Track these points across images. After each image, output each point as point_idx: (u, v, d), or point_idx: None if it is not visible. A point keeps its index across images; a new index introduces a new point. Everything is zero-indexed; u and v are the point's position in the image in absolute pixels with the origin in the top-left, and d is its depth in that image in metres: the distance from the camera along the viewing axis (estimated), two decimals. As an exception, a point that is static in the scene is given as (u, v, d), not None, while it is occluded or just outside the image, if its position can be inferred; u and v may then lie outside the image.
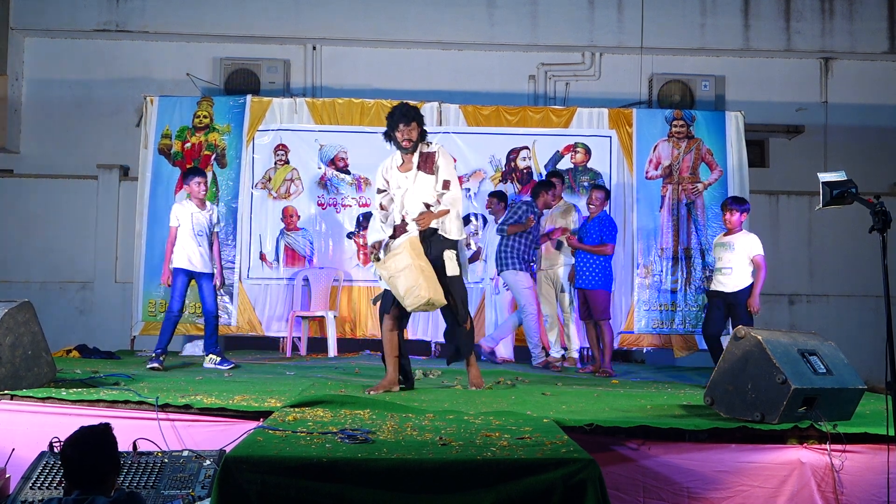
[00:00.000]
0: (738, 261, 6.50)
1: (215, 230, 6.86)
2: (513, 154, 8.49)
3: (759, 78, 10.03)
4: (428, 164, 5.31)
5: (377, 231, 5.47)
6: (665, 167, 8.42)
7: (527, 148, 8.48)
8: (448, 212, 5.26)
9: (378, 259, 5.26)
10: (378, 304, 5.44)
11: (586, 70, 9.95)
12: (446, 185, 5.30)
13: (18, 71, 9.71)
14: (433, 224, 5.27)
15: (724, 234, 6.70)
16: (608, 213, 7.57)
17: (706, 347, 8.18)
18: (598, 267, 7.22)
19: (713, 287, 6.68)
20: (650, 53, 9.72)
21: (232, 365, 6.67)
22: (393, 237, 5.34)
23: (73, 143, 9.68)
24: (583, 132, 8.49)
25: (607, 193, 7.58)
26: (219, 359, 6.72)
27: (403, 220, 5.33)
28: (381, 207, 5.49)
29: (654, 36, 9.61)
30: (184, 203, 6.77)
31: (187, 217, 6.64)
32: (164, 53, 9.77)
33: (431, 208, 5.27)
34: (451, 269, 5.29)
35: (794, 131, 9.96)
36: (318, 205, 8.40)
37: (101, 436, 3.14)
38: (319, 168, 8.42)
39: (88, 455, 3.05)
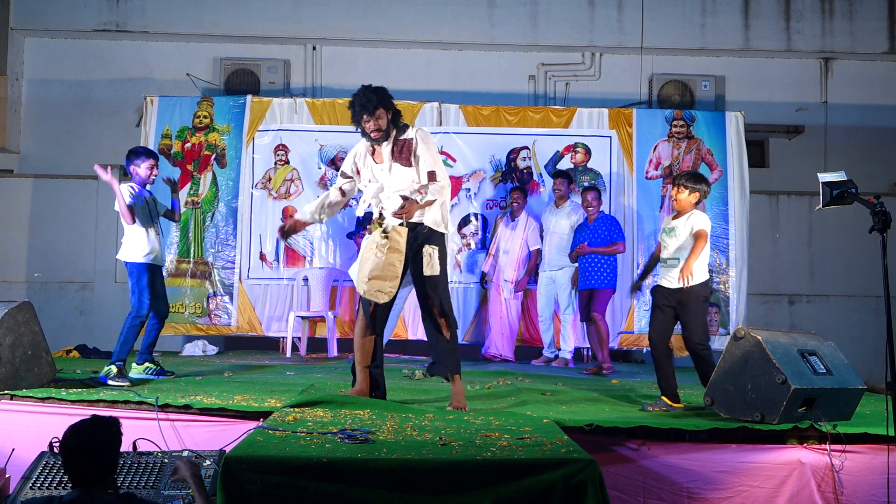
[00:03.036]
0: (684, 249, 5.12)
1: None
2: (513, 154, 8.48)
3: (759, 78, 10.03)
4: (404, 154, 4.69)
5: (306, 212, 4.98)
6: (665, 167, 8.42)
7: (527, 148, 8.48)
8: (433, 202, 4.66)
9: (381, 230, 4.64)
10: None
11: (586, 70, 9.94)
12: (432, 176, 4.66)
13: (18, 71, 9.71)
14: (417, 216, 4.66)
15: (673, 217, 5.32)
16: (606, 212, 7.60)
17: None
18: (607, 266, 7.30)
19: (658, 282, 5.29)
20: (650, 53, 9.72)
21: (172, 376, 5.80)
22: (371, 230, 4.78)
23: (73, 143, 9.67)
24: (583, 132, 8.49)
25: (599, 192, 7.59)
26: (158, 367, 5.84)
27: (381, 215, 4.75)
28: (341, 190, 4.95)
29: (654, 36, 9.60)
30: (133, 187, 5.72)
31: (144, 203, 5.73)
32: (164, 53, 9.77)
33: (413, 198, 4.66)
34: (431, 267, 4.67)
35: (794, 131, 9.95)
36: (318, 205, 8.39)
37: (105, 427, 3.08)
38: (319, 168, 8.42)
39: (90, 448, 2.99)
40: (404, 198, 4.63)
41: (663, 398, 5.05)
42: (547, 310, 7.79)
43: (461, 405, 4.67)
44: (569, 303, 7.67)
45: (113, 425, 3.11)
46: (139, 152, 5.80)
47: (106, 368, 5.39)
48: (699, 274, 5.01)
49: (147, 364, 5.79)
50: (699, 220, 5.11)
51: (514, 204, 7.86)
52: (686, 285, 4.95)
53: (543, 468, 3.19)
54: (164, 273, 6.28)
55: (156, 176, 5.81)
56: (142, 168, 5.71)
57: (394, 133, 4.74)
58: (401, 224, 4.60)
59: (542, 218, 7.89)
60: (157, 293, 5.74)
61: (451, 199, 8.21)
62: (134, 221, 5.61)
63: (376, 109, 4.63)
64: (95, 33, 9.62)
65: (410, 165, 4.69)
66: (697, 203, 5.18)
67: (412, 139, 4.71)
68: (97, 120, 9.70)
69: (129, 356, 5.66)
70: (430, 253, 4.65)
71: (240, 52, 9.76)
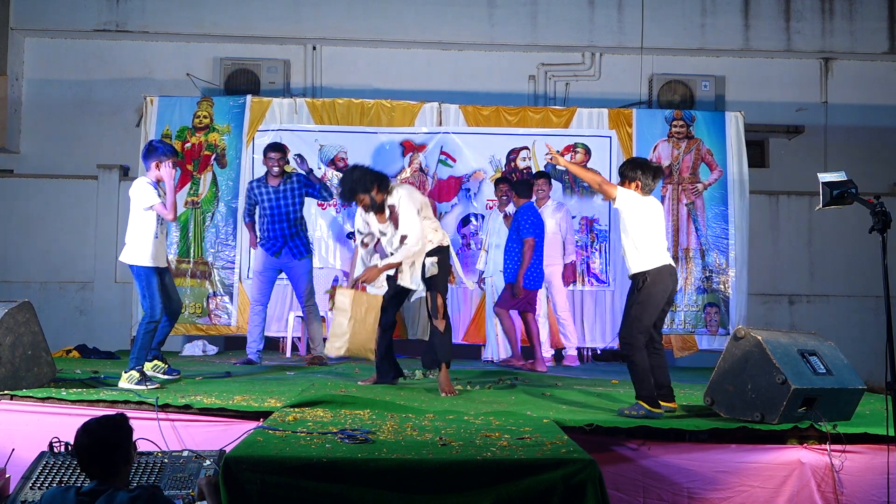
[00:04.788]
0: (622, 235, 4.87)
1: None
2: (513, 154, 8.48)
3: (759, 78, 10.03)
4: (394, 218, 5.40)
5: (359, 267, 5.68)
6: (665, 167, 8.41)
7: (527, 148, 8.47)
8: (399, 263, 5.35)
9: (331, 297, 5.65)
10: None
11: (586, 70, 9.94)
12: (402, 240, 5.33)
13: (18, 71, 9.70)
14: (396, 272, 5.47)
15: None
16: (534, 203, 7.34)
17: (706, 347, 8.24)
18: (514, 260, 7.07)
19: None
20: (650, 53, 9.72)
21: (178, 375, 5.81)
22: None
23: (73, 143, 9.67)
24: (583, 132, 8.48)
25: (549, 178, 7.38)
26: (166, 366, 5.80)
27: (332, 286, 5.70)
28: (364, 244, 5.67)
29: (654, 36, 9.60)
30: (153, 184, 5.51)
31: (158, 202, 5.48)
32: (164, 53, 9.77)
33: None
34: (431, 271, 5.45)
35: (794, 131, 9.95)
36: (318, 205, 8.38)
37: (115, 425, 3.13)
38: (319, 168, 8.40)
39: (101, 444, 3.04)
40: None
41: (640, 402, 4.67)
42: (540, 308, 7.72)
43: (448, 391, 5.29)
44: (565, 301, 7.66)
45: (122, 421, 3.15)
46: (168, 150, 5.57)
47: (128, 375, 5.22)
48: (642, 262, 4.72)
49: (156, 362, 5.70)
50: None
51: (503, 197, 7.77)
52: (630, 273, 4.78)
53: (543, 468, 3.20)
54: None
55: (174, 174, 5.66)
56: (166, 166, 5.50)
57: (384, 199, 5.38)
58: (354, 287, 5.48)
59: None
60: (167, 293, 5.63)
61: (451, 199, 8.26)
62: (175, 217, 5.59)
63: (353, 198, 5.35)
64: (95, 33, 9.62)
65: (398, 227, 5.39)
66: (639, 192, 4.80)
67: (395, 205, 5.36)
68: (97, 120, 9.70)
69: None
70: (432, 262, 5.42)
71: (240, 52, 9.76)
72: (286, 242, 6.94)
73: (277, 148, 7.11)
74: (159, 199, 5.41)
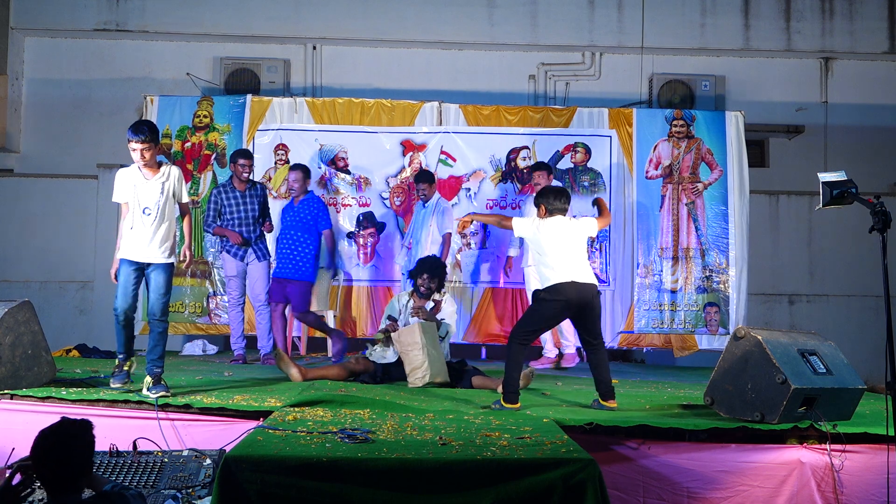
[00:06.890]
0: (534, 254, 5.66)
1: (184, 201, 5.25)
2: (513, 154, 8.48)
3: (759, 78, 10.04)
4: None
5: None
6: (665, 167, 8.41)
7: (527, 148, 8.47)
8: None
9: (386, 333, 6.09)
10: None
11: (586, 70, 9.95)
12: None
13: (18, 71, 9.71)
14: None
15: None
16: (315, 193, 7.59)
17: (706, 347, 8.25)
18: (306, 255, 7.23)
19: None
20: (650, 53, 9.72)
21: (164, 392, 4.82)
22: None
23: (73, 143, 9.67)
24: (583, 132, 8.48)
25: (306, 172, 7.44)
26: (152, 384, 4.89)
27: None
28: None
29: (654, 36, 9.60)
30: (129, 171, 5.16)
31: (130, 191, 5.10)
32: (164, 53, 9.77)
33: None
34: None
35: (794, 131, 9.96)
36: (318, 204, 8.38)
37: (65, 433, 2.97)
38: (319, 168, 8.41)
39: (52, 455, 2.89)
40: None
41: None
42: None
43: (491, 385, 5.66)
44: None
45: (82, 428, 3.03)
46: (130, 129, 5.04)
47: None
48: (542, 279, 5.15)
49: (147, 379, 4.92)
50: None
51: (422, 195, 7.66)
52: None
53: (543, 468, 3.20)
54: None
55: (146, 160, 5.04)
56: (130, 147, 5.01)
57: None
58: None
59: (527, 211, 7.77)
60: (149, 291, 5.23)
61: (451, 199, 8.26)
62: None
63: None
64: (95, 33, 9.63)
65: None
66: (546, 216, 5.28)
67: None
68: (97, 120, 9.70)
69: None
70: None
71: (240, 52, 9.76)
72: (251, 245, 7.15)
73: (248, 155, 7.25)
74: (121, 196, 5.16)
